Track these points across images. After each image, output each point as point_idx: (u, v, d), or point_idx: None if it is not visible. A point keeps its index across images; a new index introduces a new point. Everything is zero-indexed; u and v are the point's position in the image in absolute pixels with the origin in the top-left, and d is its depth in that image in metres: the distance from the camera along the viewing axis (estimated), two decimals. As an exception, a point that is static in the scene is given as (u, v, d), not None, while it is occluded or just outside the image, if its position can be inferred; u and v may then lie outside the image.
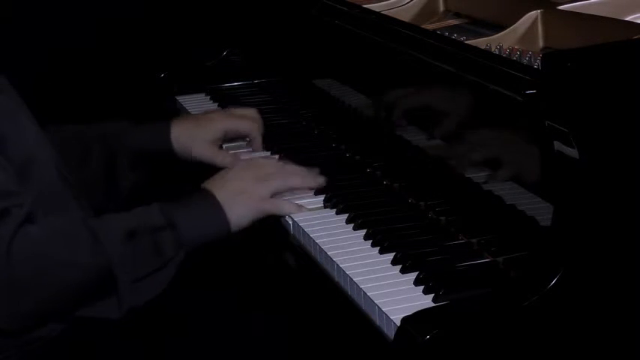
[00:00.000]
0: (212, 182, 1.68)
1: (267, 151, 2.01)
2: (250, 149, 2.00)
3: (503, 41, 1.77)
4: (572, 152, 1.30)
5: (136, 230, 1.51)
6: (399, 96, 1.80)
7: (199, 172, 1.83)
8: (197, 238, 1.58)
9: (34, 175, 1.54)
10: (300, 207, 1.69)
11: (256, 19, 2.44)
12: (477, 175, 1.57)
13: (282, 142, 2.02)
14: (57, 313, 1.49)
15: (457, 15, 2.11)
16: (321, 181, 1.75)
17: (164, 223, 1.54)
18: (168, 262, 1.53)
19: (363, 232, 1.59)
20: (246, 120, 1.98)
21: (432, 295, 1.37)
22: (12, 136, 1.53)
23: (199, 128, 1.92)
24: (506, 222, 1.50)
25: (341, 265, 1.49)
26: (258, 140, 1.98)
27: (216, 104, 2.35)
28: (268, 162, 1.78)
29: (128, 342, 1.63)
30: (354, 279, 1.45)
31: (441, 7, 2.15)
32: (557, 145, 1.32)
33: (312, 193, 1.75)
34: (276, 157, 1.95)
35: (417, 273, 1.42)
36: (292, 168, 1.75)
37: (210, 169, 1.81)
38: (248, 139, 2.00)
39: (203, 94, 2.42)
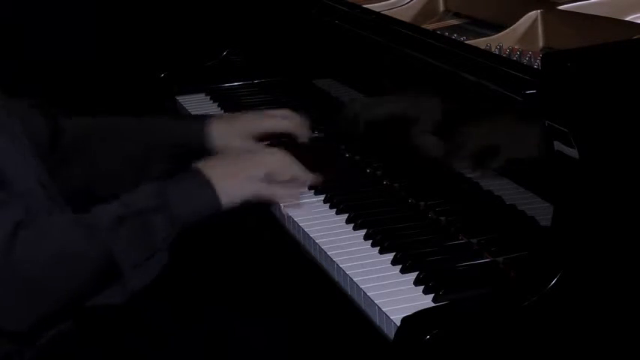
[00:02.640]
0: (206, 161, 1.67)
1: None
2: None
3: (503, 41, 1.77)
4: (572, 152, 1.30)
5: (127, 214, 1.51)
6: (399, 96, 1.80)
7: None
8: (188, 215, 1.57)
9: (15, 184, 1.53)
10: (295, 197, 1.68)
11: (256, 19, 2.44)
12: (477, 175, 1.57)
13: (280, 141, 2.02)
14: (65, 310, 1.50)
15: (457, 15, 2.11)
16: (317, 179, 1.73)
17: (154, 204, 1.54)
18: (163, 241, 1.53)
19: (363, 232, 1.59)
20: (284, 119, 1.94)
21: (432, 295, 1.37)
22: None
23: (236, 126, 1.89)
24: (506, 222, 1.50)
25: (341, 265, 1.49)
26: (303, 135, 1.94)
27: (216, 104, 2.35)
28: (271, 150, 1.75)
29: (127, 344, 1.63)
30: (354, 279, 1.45)
31: (441, 7, 2.15)
32: (557, 145, 1.32)
33: (312, 192, 1.75)
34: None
35: (417, 273, 1.42)
36: (294, 161, 1.72)
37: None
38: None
39: (203, 94, 2.42)
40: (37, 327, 1.48)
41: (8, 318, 1.43)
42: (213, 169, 1.63)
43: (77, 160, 1.82)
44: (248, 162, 1.67)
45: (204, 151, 1.84)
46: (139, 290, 1.51)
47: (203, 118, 1.89)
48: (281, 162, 1.69)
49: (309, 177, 1.71)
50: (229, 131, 1.87)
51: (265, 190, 1.65)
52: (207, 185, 1.60)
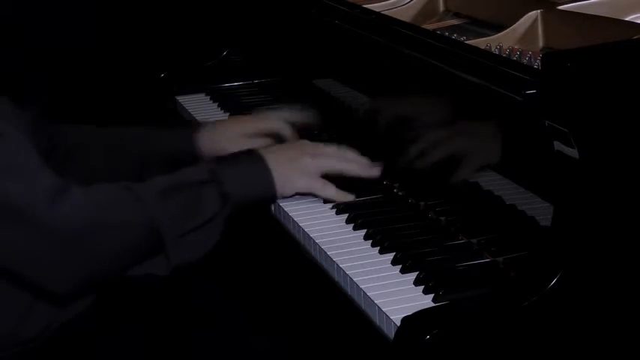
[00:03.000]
0: (266, 148, 1.69)
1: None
2: None
3: (503, 41, 1.77)
4: (572, 152, 1.30)
5: (177, 186, 1.53)
6: (399, 96, 1.80)
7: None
8: (242, 194, 1.58)
9: None
10: (345, 195, 1.68)
11: (256, 19, 2.44)
12: (477, 175, 1.57)
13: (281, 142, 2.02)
14: (108, 273, 1.51)
15: (457, 15, 2.11)
16: (375, 172, 1.73)
17: (208, 178, 1.55)
18: (213, 216, 1.53)
19: (363, 232, 1.59)
20: (274, 119, 1.94)
21: (432, 295, 1.37)
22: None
23: (227, 128, 1.90)
24: (506, 222, 1.50)
25: (341, 265, 1.49)
26: (291, 136, 1.92)
27: (216, 104, 2.35)
28: (328, 145, 1.76)
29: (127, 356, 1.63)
30: (354, 279, 1.45)
31: (441, 7, 2.15)
32: (557, 145, 1.32)
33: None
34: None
35: (417, 273, 1.42)
36: (351, 155, 1.74)
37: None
38: None
39: (203, 94, 2.42)
40: (77, 290, 1.49)
41: (50, 277, 1.44)
42: (272, 155, 1.64)
43: (71, 170, 1.82)
44: (307, 156, 1.68)
45: (195, 159, 1.86)
46: (185, 265, 1.52)
47: (193, 127, 1.90)
48: (340, 159, 1.71)
49: (367, 173, 1.71)
50: (215, 138, 1.88)
51: (318, 187, 1.67)
52: (264, 169, 1.61)
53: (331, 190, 1.68)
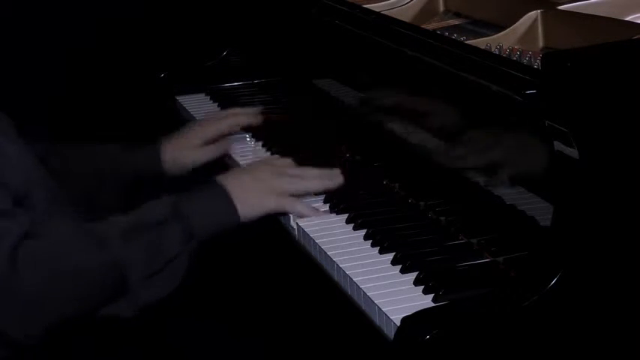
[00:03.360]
0: (226, 174, 1.67)
1: (268, 151, 2.01)
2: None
3: (503, 41, 1.77)
4: (572, 152, 1.30)
5: (140, 226, 1.50)
6: (399, 96, 1.80)
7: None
8: (206, 227, 1.56)
9: (32, 198, 1.52)
10: (315, 211, 1.67)
11: (256, 19, 2.44)
12: (477, 175, 1.57)
13: (281, 142, 2.02)
14: (73, 320, 1.48)
15: (457, 15, 2.11)
16: (338, 180, 1.72)
17: (170, 215, 1.53)
18: (178, 254, 1.51)
19: (363, 232, 1.59)
20: (224, 117, 2.00)
21: (432, 295, 1.37)
22: (13, 158, 1.51)
23: (182, 139, 1.92)
24: (506, 222, 1.50)
25: (341, 265, 1.49)
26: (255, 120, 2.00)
27: (216, 104, 2.35)
28: (290, 161, 1.75)
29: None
30: (354, 279, 1.45)
31: (441, 7, 2.15)
32: (557, 145, 1.32)
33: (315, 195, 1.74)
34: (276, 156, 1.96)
35: (417, 273, 1.42)
36: (313, 172, 1.73)
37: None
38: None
39: (203, 94, 2.42)
40: (44, 337, 1.46)
41: (15, 328, 1.41)
42: (233, 180, 1.62)
43: None
44: (272, 174, 1.66)
45: (157, 175, 1.85)
46: (154, 303, 1.50)
47: (156, 146, 1.90)
48: (307, 178, 1.69)
49: (331, 185, 1.70)
50: (176, 148, 1.89)
51: (287, 205, 1.65)
52: (225, 197, 1.59)
53: (299, 206, 1.66)
